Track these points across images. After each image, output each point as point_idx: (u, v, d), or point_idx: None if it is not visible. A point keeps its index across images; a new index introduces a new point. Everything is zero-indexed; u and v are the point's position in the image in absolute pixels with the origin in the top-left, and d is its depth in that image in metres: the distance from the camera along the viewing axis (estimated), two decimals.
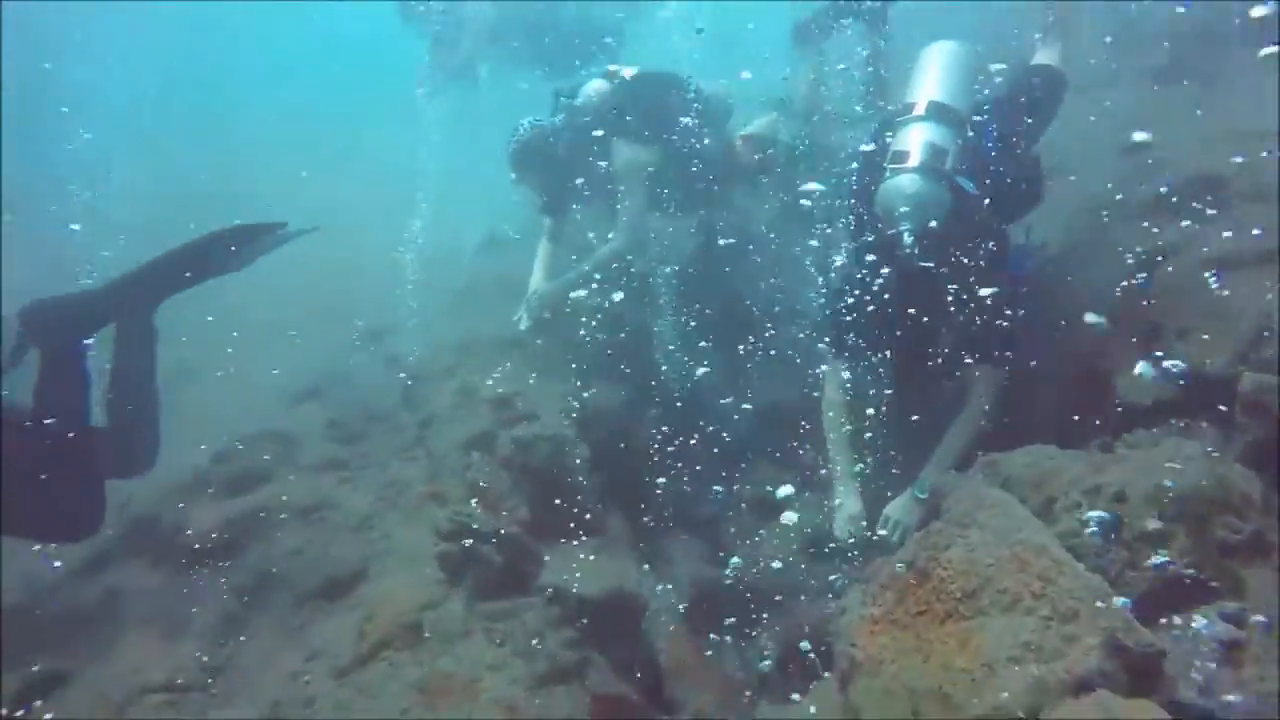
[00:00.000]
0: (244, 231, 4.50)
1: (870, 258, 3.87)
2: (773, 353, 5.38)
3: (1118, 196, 4.45)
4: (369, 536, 4.26)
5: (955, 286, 3.79)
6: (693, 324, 5.57)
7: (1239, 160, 4.13)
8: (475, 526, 3.87)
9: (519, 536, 3.98)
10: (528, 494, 4.39)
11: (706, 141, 5.35)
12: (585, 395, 4.96)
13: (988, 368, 3.95)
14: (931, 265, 3.65)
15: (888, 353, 3.97)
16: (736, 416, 5.15)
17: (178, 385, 6.26)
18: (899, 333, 3.85)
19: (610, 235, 5.39)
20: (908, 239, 3.63)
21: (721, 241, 5.90)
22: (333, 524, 4.43)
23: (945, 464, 3.92)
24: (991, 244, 3.85)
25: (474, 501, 4.22)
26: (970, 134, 3.99)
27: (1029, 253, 4.17)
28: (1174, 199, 4.28)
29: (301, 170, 8.91)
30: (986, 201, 3.83)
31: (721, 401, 5.18)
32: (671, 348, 5.55)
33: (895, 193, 3.74)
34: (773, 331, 5.41)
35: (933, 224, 3.66)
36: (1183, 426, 3.43)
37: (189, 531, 4.46)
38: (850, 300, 3.98)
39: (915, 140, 3.83)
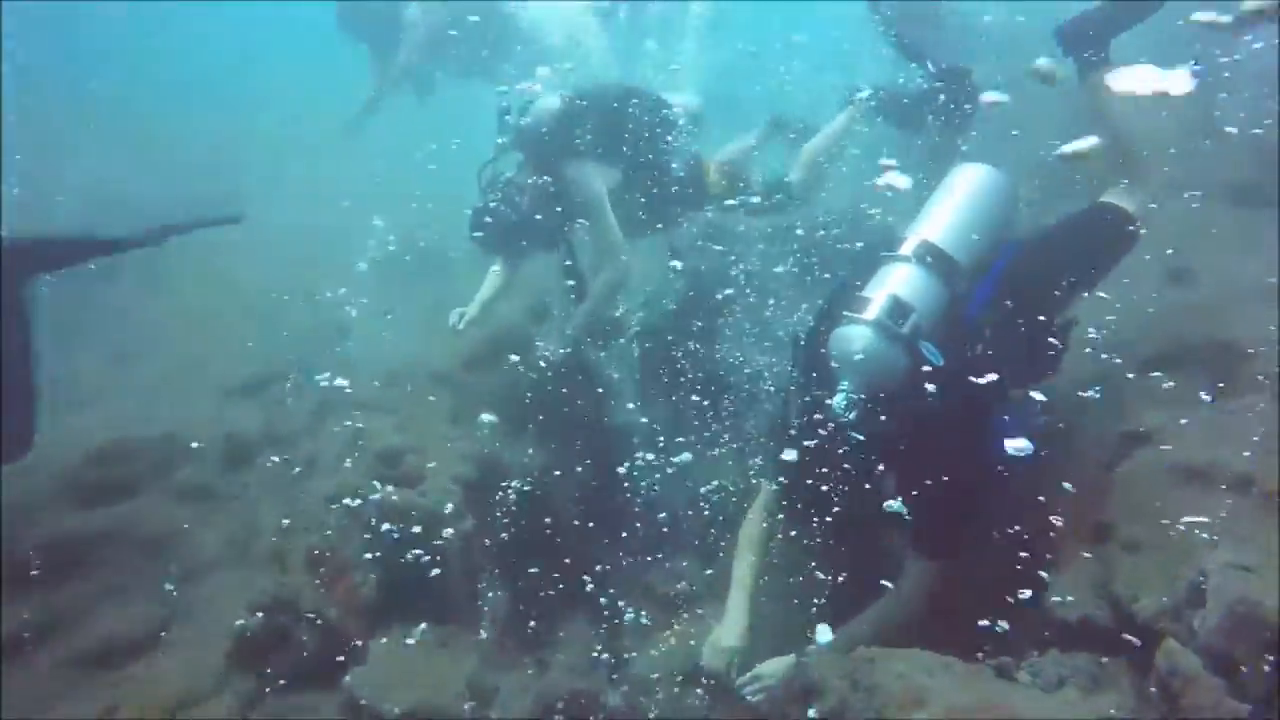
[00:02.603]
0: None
1: (810, 404, 3.28)
2: (725, 437, 4.85)
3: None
4: (190, 591, 3.84)
5: (905, 463, 3.15)
6: (653, 382, 5.10)
7: (1271, 329, 3.44)
8: (293, 601, 3.44)
9: (341, 620, 3.53)
10: (381, 568, 3.95)
11: (673, 165, 4.84)
12: (490, 449, 4.54)
13: (923, 562, 3.29)
14: (863, 436, 3.04)
15: (821, 507, 3.34)
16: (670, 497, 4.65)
17: (116, 366, 6.06)
18: (834, 492, 3.24)
19: (592, 264, 4.93)
20: (838, 401, 3.03)
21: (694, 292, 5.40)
22: (160, 566, 4.02)
23: (842, 643, 3.30)
24: (971, 417, 3.14)
25: (321, 570, 3.81)
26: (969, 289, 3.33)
27: (1024, 424, 3.26)
28: (1180, 363, 3.63)
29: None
30: (967, 372, 3.13)
31: (655, 475, 4.67)
32: (629, 405, 5.08)
33: (840, 344, 3.13)
34: (730, 412, 4.88)
35: (876, 392, 3.04)
36: (1102, 664, 2.81)
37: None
38: (791, 438, 3.39)
39: (883, 287, 3.20)
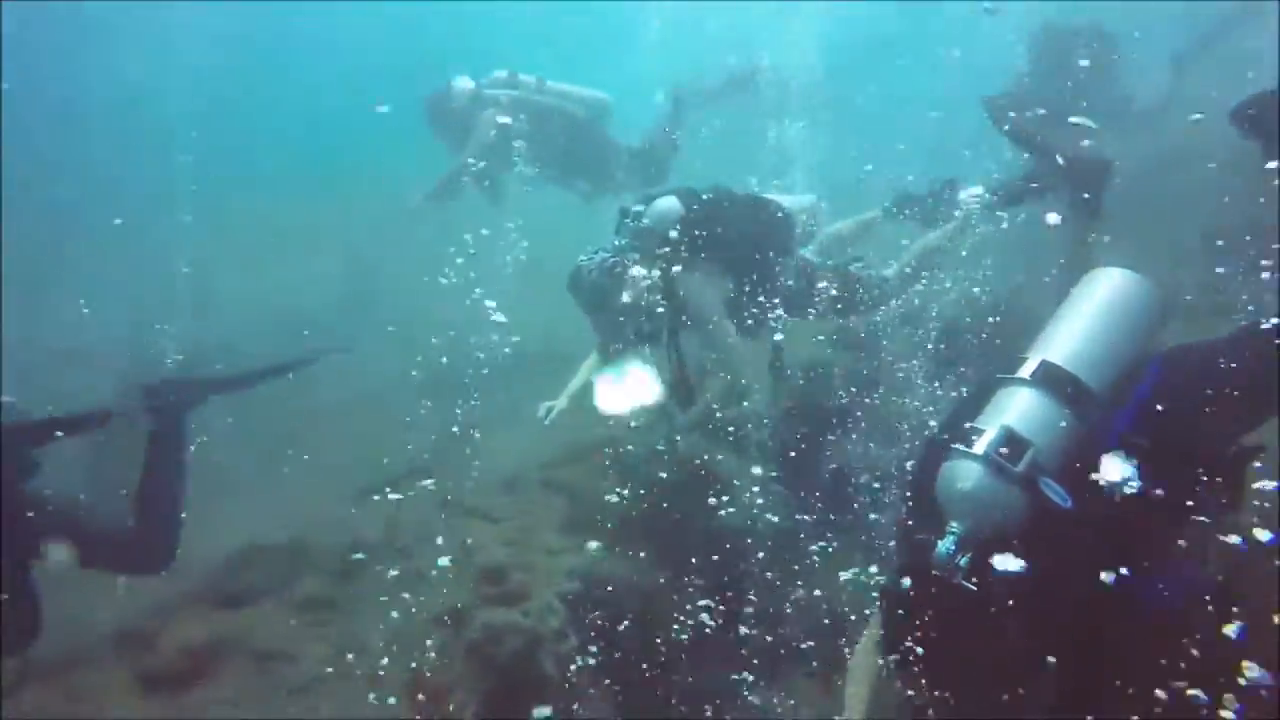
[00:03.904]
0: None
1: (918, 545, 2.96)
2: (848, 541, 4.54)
3: None
4: (288, 710, 3.88)
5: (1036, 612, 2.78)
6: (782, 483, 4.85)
7: None
8: None
9: None
10: (484, 691, 3.87)
11: (789, 282, 4.67)
12: (599, 561, 4.43)
13: None
14: (977, 588, 2.71)
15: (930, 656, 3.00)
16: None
17: (261, 463, 6.37)
18: (940, 645, 2.90)
19: (710, 365, 4.85)
20: (942, 548, 2.72)
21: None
22: (270, 682, 4.10)
23: None
24: (1111, 572, 2.71)
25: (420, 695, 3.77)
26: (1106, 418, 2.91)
27: (1186, 580, 2.84)
28: None
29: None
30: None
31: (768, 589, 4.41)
32: (755, 506, 4.85)
33: (947, 482, 2.83)
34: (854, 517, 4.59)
35: (990, 536, 2.72)
36: None
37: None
38: (899, 578, 3.09)
39: (999, 416, 2.88)
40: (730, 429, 5.10)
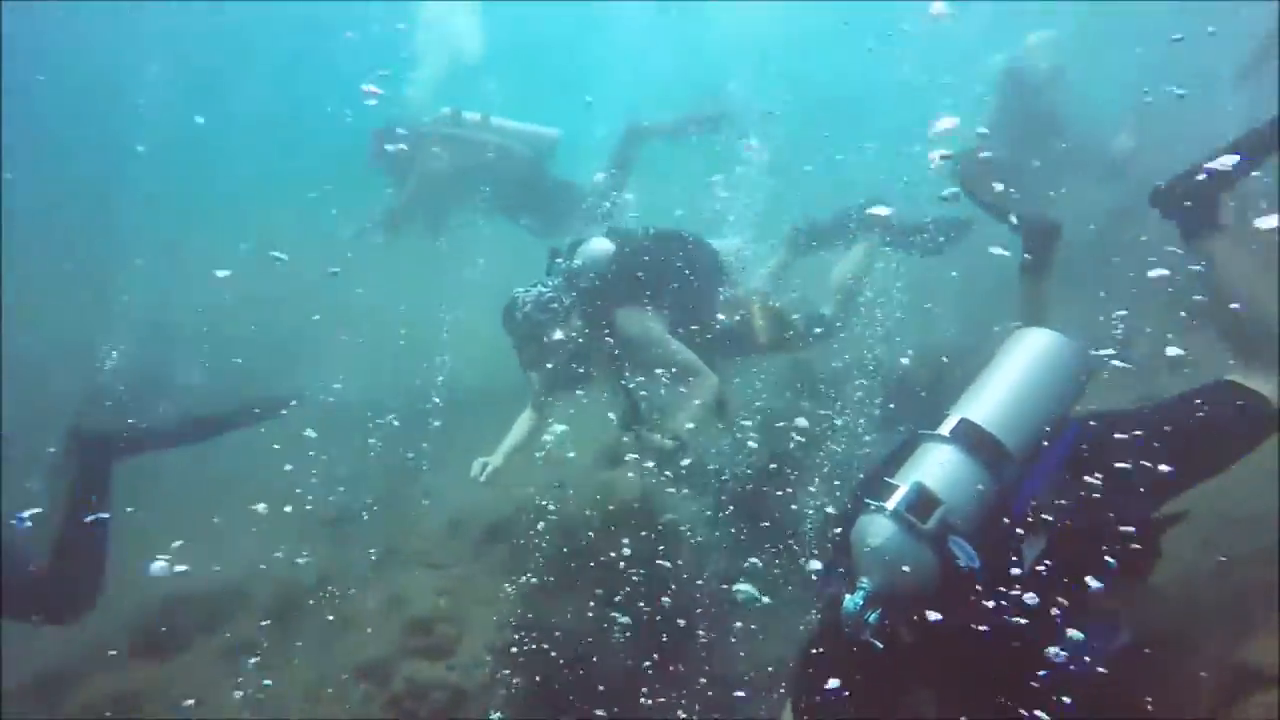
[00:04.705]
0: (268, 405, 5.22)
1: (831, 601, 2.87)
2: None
3: None
4: None
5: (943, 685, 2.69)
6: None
7: None
8: None
9: None
10: None
11: (720, 317, 4.66)
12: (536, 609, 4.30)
13: None
14: (881, 647, 2.61)
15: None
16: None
17: (212, 493, 6.21)
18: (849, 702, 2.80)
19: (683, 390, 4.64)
20: (849, 603, 2.63)
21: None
22: None
23: None
24: (1019, 634, 2.59)
25: None
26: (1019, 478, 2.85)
27: (1097, 645, 2.70)
28: None
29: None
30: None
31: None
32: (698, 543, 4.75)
33: (859, 538, 2.74)
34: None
35: (900, 595, 2.63)
36: None
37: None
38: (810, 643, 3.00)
39: (914, 473, 2.79)
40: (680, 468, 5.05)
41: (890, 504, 2.70)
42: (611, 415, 5.25)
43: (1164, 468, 2.89)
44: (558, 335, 4.43)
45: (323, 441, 6.37)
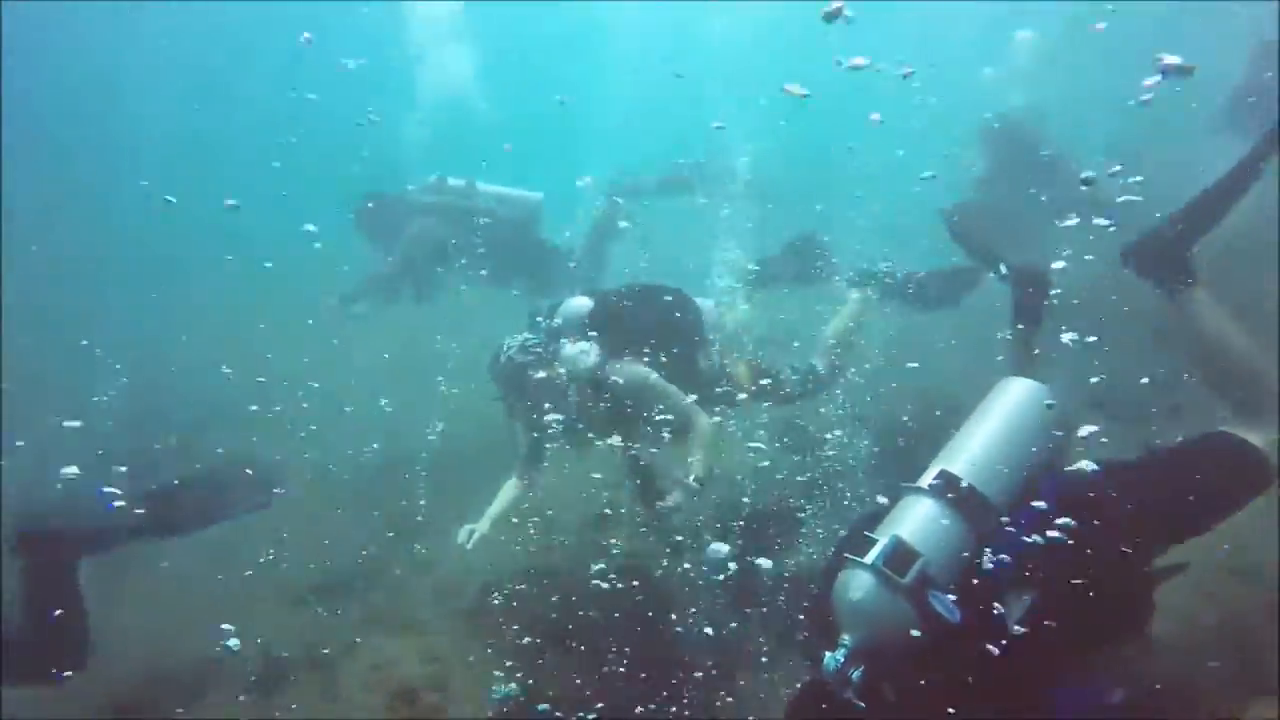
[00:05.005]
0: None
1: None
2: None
3: None
4: None
5: None
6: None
7: None
8: None
9: None
10: None
11: (702, 364, 4.69)
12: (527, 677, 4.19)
13: None
14: (863, 705, 2.52)
15: None
16: None
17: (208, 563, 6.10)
18: None
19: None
20: (829, 660, 2.55)
21: None
22: None
23: None
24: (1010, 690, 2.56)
25: None
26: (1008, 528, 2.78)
27: (1088, 703, 2.69)
28: None
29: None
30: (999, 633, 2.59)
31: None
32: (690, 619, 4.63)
33: (840, 593, 2.68)
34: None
35: (881, 650, 2.56)
36: None
37: None
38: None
39: (894, 526, 2.74)
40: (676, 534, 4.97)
41: (869, 558, 2.63)
42: (597, 475, 5.24)
43: (1157, 518, 2.83)
44: (540, 374, 4.44)
45: (310, 506, 6.38)
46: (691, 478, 4.39)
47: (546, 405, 4.51)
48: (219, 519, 4.72)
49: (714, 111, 8.19)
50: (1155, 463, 3.12)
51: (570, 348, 4.42)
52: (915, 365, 5.02)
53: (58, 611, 4.10)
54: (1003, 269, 4.62)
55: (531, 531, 5.16)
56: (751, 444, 5.17)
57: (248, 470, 5.05)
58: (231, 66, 16.75)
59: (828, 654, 2.58)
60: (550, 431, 4.64)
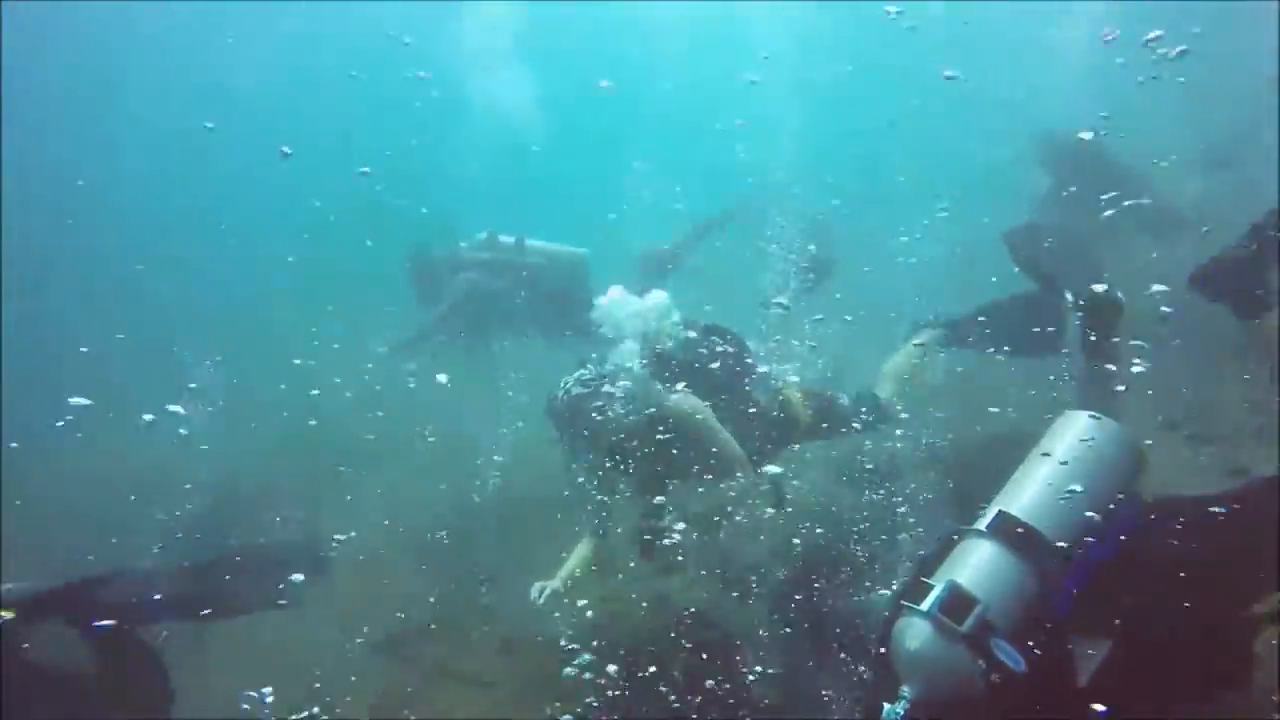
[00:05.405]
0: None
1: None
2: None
3: None
4: None
5: None
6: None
7: None
8: None
9: None
10: None
11: (759, 399, 4.68)
12: None
13: None
14: None
15: None
16: None
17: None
18: None
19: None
20: (888, 712, 2.46)
21: None
22: None
23: None
24: None
25: None
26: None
27: None
28: None
29: None
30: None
31: None
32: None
33: (897, 641, 2.59)
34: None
35: (945, 701, 2.47)
36: None
37: None
38: None
39: (951, 571, 2.65)
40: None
41: (923, 605, 2.52)
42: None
43: (1256, 557, 2.63)
44: (597, 403, 4.46)
45: (380, 559, 6.44)
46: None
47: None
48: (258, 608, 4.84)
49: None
50: (1251, 495, 2.90)
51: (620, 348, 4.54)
52: (995, 410, 4.84)
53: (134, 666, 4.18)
54: (1069, 297, 4.45)
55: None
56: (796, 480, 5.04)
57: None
58: (231, 67, 16.54)
59: (886, 705, 2.48)
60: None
